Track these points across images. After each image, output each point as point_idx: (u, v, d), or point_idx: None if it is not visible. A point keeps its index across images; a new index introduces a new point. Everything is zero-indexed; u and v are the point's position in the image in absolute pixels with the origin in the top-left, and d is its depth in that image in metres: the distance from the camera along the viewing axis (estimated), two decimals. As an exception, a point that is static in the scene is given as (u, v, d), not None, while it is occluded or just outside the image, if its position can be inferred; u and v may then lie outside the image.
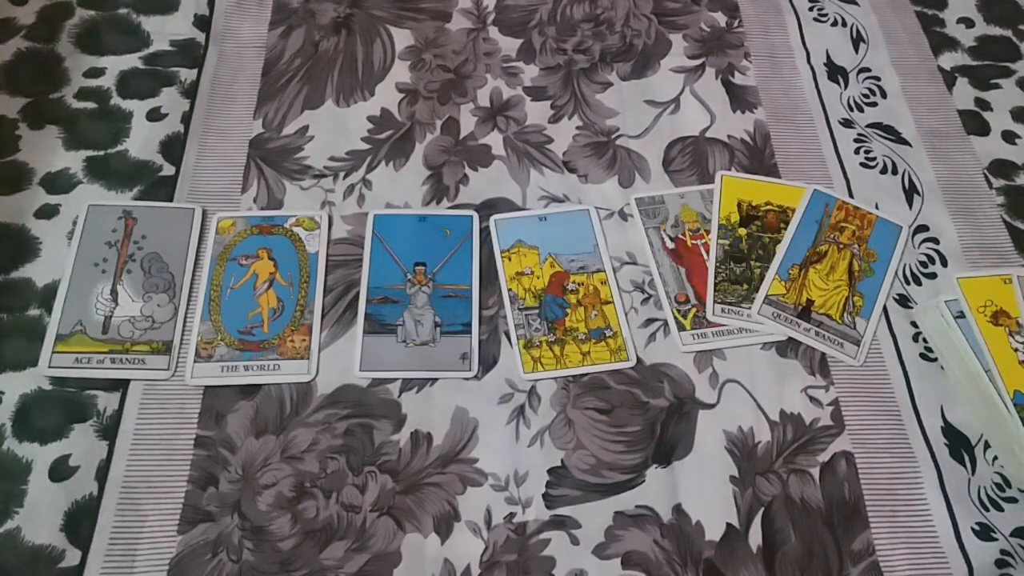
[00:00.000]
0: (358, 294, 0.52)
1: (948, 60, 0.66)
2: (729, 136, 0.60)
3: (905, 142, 0.61)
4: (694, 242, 0.55)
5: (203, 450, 0.47)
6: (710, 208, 0.56)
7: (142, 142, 0.57)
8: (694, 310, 0.52)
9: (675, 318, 0.52)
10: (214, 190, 0.56)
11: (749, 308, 0.52)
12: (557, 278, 0.53)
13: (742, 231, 0.55)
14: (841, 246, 0.54)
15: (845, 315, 0.52)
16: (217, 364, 0.49)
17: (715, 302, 0.52)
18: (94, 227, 0.53)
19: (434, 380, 0.49)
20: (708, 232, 0.55)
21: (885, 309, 0.53)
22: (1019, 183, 0.59)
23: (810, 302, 0.52)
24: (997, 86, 0.64)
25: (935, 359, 0.51)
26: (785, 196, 0.56)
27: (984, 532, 0.46)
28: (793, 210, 0.56)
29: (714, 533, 0.45)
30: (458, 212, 0.56)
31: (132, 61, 0.61)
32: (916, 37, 0.67)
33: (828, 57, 0.65)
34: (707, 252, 0.54)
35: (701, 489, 0.46)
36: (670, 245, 0.55)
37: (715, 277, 0.53)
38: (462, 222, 0.55)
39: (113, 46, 0.62)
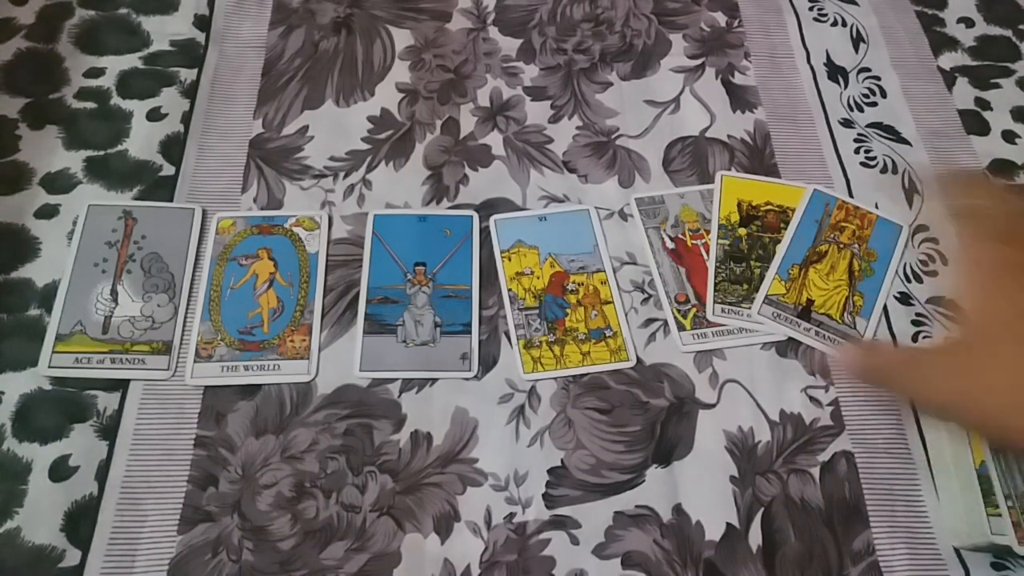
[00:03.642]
0: (358, 294, 0.52)
1: (948, 60, 0.66)
2: (729, 136, 0.60)
3: (905, 142, 0.61)
4: (694, 242, 0.55)
5: (203, 450, 0.47)
6: (710, 208, 0.56)
7: (142, 142, 0.57)
8: (694, 310, 0.52)
9: (675, 318, 0.52)
10: (214, 190, 0.56)
11: (749, 308, 0.52)
12: (557, 278, 0.53)
13: (742, 231, 0.55)
14: (841, 246, 0.54)
15: (845, 315, 0.52)
16: (217, 364, 0.49)
17: (715, 302, 0.52)
18: (94, 227, 0.53)
19: (434, 380, 0.49)
20: (708, 232, 0.55)
21: (885, 309, 0.53)
22: (1019, 183, 0.59)
23: (810, 302, 0.52)
24: (997, 86, 0.64)
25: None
26: (785, 196, 0.56)
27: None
28: (793, 210, 0.56)
29: (714, 533, 0.45)
30: (458, 212, 0.56)
31: (132, 61, 0.61)
32: (916, 37, 0.67)
33: (828, 57, 0.65)
34: (707, 252, 0.54)
35: (701, 489, 0.46)
36: (670, 245, 0.55)
37: (715, 277, 0.53)
38: (462, 222, 0.55)
39: (113, 46, 0.62)
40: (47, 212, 0.54)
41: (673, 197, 0.57)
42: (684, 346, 0.51)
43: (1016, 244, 0.37)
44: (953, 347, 0.37)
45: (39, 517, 0.44)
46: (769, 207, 0.56)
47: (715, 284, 0.53)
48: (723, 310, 0.52)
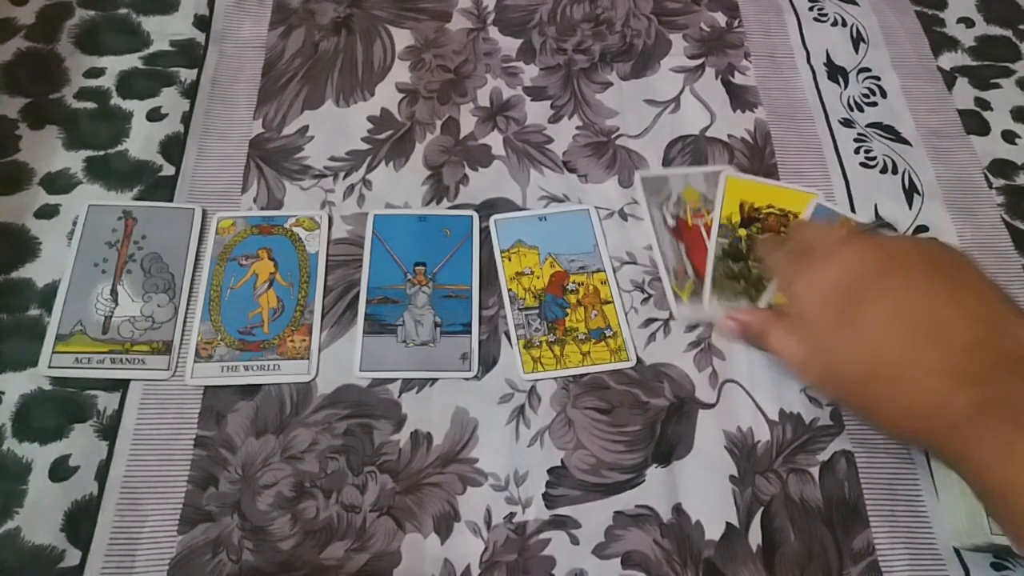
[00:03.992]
0: (358, 294, 0.52)
1: (948, 60, 0.66)
2: (729, 135, 0.60)
3: (905, 142, 0.61)
4: (695, 221, 0.55)
5: (203, 450, 0.47)
6: (712, 190, 0.56)
7: (142, 142, 0.57)
8: (691, 282, 0.52)
9: (673, 291, 0.52)
10: (214, 190, 0.56)
11: (747, 303, 0.51)
12: (557, 278, 0.53)
13: (742, 231, 0.55)
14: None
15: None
16: (217, 364, 0.49)
17: (713, 296, 0.52)
18: (94, 227, 0.53)
19: (434, 380, 0.49)
20: (709, 211, 0.55)
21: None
22: (1019, 183, 0.59)
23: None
24: (997, 86, 0.64)
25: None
26: (787, 200, 0.56)
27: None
28: (794, 215, 0.55)
29: (714, 532, 0.45)
30: (458, 212, 0.56)
31: (132, 61, 0.61)
32: (916, 37, 0.67)
33: (828, 57, 0.65)
34: (707, 231, 0.54)
35: (701, 489, 0.46)
36: (671, 223, 0.55)
37: (713, 272, 0.53)
38: (462, 222, 0.55)
39: (113, 46, 0.62)
40: (47, 212, 0.54)
41: (677, 177, 0.57)
42: (681, 318, 0.52)
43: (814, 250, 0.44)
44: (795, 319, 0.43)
45: (39, 517, 0.44)
46: (771, 210, 0.56)
47: (713, 280, 0.53)
48: (719, 301, 0.52)
